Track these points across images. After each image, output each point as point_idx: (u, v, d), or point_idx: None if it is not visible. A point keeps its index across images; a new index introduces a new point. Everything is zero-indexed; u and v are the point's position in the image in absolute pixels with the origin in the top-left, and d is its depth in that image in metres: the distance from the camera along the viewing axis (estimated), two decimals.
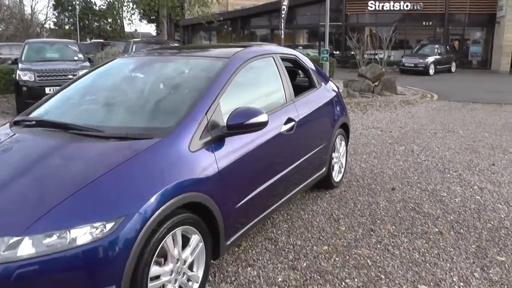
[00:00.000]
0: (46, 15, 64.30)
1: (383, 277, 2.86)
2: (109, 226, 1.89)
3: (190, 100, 2.63)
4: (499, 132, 7.51)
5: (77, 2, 36.18)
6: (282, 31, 19.63)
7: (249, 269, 2.93)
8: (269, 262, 3.02)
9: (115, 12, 33.24)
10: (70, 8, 38.58)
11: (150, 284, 2.10)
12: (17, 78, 9.02)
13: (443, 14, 25.72)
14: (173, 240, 2.21)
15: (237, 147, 2.68)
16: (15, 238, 1.81)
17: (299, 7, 31.04)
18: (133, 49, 11.43)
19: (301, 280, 2.80)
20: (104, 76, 3.49)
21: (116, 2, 31.69)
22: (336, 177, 4.50)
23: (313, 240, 3.37)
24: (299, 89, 3.86)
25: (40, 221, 1.85)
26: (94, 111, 3.02)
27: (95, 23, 37.80)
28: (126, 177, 2.09)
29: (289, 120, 3.32)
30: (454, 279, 2.84)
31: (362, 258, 3.10)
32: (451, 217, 3.83)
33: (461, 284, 2.79)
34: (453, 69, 22.57)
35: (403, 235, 3.48)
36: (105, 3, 34.32)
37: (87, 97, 3.26)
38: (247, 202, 2.78)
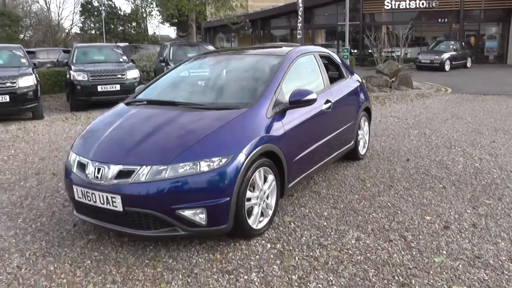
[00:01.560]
0: (72, 20, 66.67)
1: (399, 212, 4.00)
2: (223, 160, 3.08)
3: (262, 84, 3.84)
4: (504, 118, 8.54)
5: (103, 8, 37.94)
6: (300, 31, 20.73)
7: (302, 208, 4.10)
8: (315, 205, 4.19)
9: (138, 16, 34.87)
10: (96, 13, 40.47)
11: (246, 203, 3.28)
12: (71, 78, 10.28)
13: (459, 11, 26.44)
14: (258, 175, 3.39)
15: (294, 117, 3.87)
16: (163, 167, 3.00)
17: (317, 8, 32.03)
18: (171, 52, 12.57)
19: (340, 214, 3.96)
20: (189, 69, 4.71)
21: (140, 8, 33.38)
22: (362, 150, 5.65)
23: (346, 192, 4.54)
24: (332, 79, 5.03)
25: (179, 157, 3.04)
26: (191, 92, 4.28)
27: (120, 27, 39.59)
28: (231, 131, 3.30)
29: (327, 101, 4.50)
30: (451, 213, 3.97)
31: (383, 202, 4.24)
32: (453, 178, 4.94)
33: (456, 216, 3.91)
34: (468, 64, 23.33)
35: (415, 189, 4.61)
36: (133, 6, 35.84)
37: (180, 84, 4.50)
38: (301, 157, 3.97)
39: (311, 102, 3.82)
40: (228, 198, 3.06)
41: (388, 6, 28.22)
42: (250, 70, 4.32)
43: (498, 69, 22.09)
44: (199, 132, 3.25)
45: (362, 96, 5.56)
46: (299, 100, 3.75)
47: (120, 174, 3.05)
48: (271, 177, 3.55)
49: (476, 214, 3.94)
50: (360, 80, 5.76)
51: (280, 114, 3.72)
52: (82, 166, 3.30)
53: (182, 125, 3.46)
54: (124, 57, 11.67)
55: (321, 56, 4.97)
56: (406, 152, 6.09)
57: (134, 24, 37.89)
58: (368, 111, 5.80)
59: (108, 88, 10.19)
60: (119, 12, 39.94)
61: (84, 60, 11.14)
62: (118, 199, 2.99)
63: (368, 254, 3.19)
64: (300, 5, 18.72)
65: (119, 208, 3.01)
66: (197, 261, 3.09)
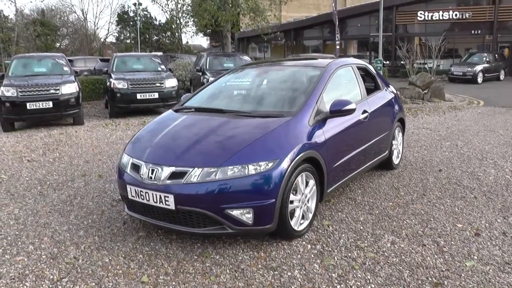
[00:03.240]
0: (108, 30, 68.86)
1: (432, 219, 4.14)
2: (270, 164, 3.32)
3: (305, 94, 4.08)
4: None
5: (138, 18, 39.19)
6: (338, 42, 20.85)
7: (339, 213, 4.30)
8: (352, 210, 4.37)
9: (173, 26, 35.77)
10: (131, 23, 41.81)
11: (289, 206, 3.50)
12: (111, 86, 10.70)
13: (492, 22, 26.06)
14: (300, 180, 3.62)
15: (334, 126, 4.09)
16: (213, 169, 3.27)
17: (350, 18, 32.18)
18: (207, 62, 12.97)
19: (376, 220, 4.13)
20: (233, 79, 5.01)
21: (175, 18, 34.26)
22: (395, 160, 5.80)
23: (380, 199, 4.70)
24: (368, 90, 5.22)
25: (229, 160, 3.30)
26: (236, 101, 4.58)
27: (155, 37, 40.73)
28: (276, 137, 3.55)
29: (364, 111, 4.70)
30: (482, 222, 4.08)
31: (416, 210, 4.39)
32: (484, 189, 5.03)
33: (487, 224, 4.02)
34: (501, 77, 22.95)
35: (447, 198, 4.73)
36: (168, 17, 36.73)
37: (225, 93, 4.80)
38: (339, 164, 4.18)
39: (350, 111, 4.03)
40: (274, 200, 3.30)
41: (421, 17, 28.10)
42: (292, 80, 4.57)
43: None
44: (247, 138, 3.52)
45: (396, 107, 5.72)
46: (339, 109, 3.97)
47: (173, 175, 3.33)
48: (312, 182, 3.77)
49: (506, 223, 4.04)
50: (395, 92, 5.92)
51: (321, 123, 3.95)
52: (136, 167, 3.60)
53: (231, 130, 3.73)
54: (162, 66, 12.11)
55: (358, 68, 5.18)
56: (438, 162, 6.19)
57: (168, 34, 38.90)
58: (402, 122, 5.95)
59: (147, 96, 10.63)
60: (154, 22, 41.17)
61: (123, 69, 11.63)
62: (171, 198, 3.27)
63: (403, 257, 3.36)
64: (336, 16, 18.89)
65: (172, 206, 3.29)
66: (242, 258, 3.34)
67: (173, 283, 3.02)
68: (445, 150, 6.95)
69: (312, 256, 3.37)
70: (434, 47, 18.14)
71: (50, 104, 9.26)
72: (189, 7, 21.90)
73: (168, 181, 3.34)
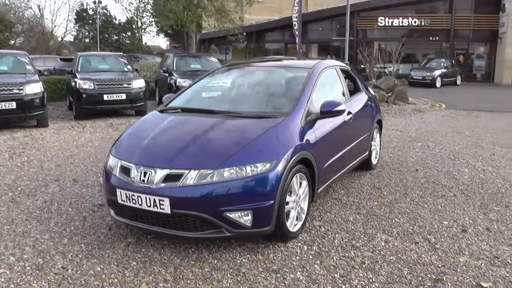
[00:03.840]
0: (66, 28, 66.20)
1: (418, 218, 4.23)
2: (267, 165, 3.27)
3: (295, 95, 4.06)
4: (499, 133, 8.92)
5: (98, 16, 37.93)
6: (299, 45, 21.16)
7: (328, 214, 4.30)
8: (340, 211, 4.39)
9: (134, 26, 34.97)
10: (91, 21, 40.40)
11: (286, 206, 3.46)
12: (77, 86, 10.23)
13: (449, 30, 27.32)
14: (295, 180, 3.58)
15: (323, 127, 4.10)
16: (210, 171, 3.18)
17: (311, 23, 32.70)
18: (174, 63, 12.73)
19: (365, 219, 4.16)
20: (218, 80, 4.92)
21: (136, 18, 33.54)
22: (374, 160, 5.90)
23: (365, 199, 4.76)
24: (349, 92, 5.28)
25: (226, 162, 3.22)
26: (225, 102, 4.48)
27: (115, 36, 39.53)
28: (272, 138, 3.50)
29: (349, 112, 4.74)
30: (465, 218, 4.21)
31: (402, 208, 4.47)
32: (462, 187, 5.20)
33: (470, 221, 4.15)
34: (458, 82, 24.05)
35: (428, 197, 4.85)
36: (129, 16, 35.92)
37: (212, 93, 4.70)
38: (328, 165, 4.19)
39: (340, 112, 4.05)
40: (272, 201, 3.24)
41: (381, 23, 28.98)
42: (280, 81, 4.55)
43: (486, 87, 22.83)
44: (243, 139, 3.45)
45: (375, 109, 5.83)
46: (330, 110, 3.98)
47: (168, 178, 3.21)
48: (304, 183, 3.74)
49: (488, 219, 4.19)
50: (373, 94, 6.03)
51: (311, 123, 3.94)
52: (125, 170, 3.45)
53: (225, 132, 3.65)
54: (129, 67, 11.77)
55: (341, 70, 5.23)
56: (413, 163, 6.35)
57: (129, 33, 37.89)
58: (380, 123, 6.06)
59: (114, 97, 10.28)
60: (114, 21, 39.92)
61: (89, 69, 11.20)
62: (166, 202, 3.15)
63: (399, 255, 3.40)
64: (295, 19, 19.15)
65: (167, 210, 3.17)
66: (241, 261, 3.26)
67: None
68: (418, 151, 7.15)
69: (311, 257, 3.35)
70: (394, 52, 18.74)
71: (13, 105, 8.75)
72: (151, 6, 21.56)
73: (163, 184, 3.21)
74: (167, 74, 12.40)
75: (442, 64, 23.49)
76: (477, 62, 28.03)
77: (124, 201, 3.38)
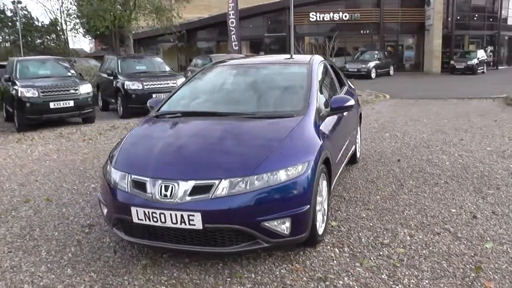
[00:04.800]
0: None
1: (425, 208, 4.25)
2: (299, 168, 3.07)
3: (302, 92, 3.89)
4: (454, 119, 9.42)
5: (18, 18, 34.78)
6: (236, 43, 21.09)
7: (338, 212, 4.19)
8: (348, 208, 4.29)
9: (58, 28, 32.56)
10: (10, 24, 36.96)
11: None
12: (19, 95, 9.25)
13: (378, 23, 28.66)
14: (321, 181, 3.41)
15: (331, 122, 3.98)
16: (243, 178, 2.90)
17: (242, 20, 32.67)
18: (119, 65, 11.96)
19: (378, 215, 4.09)
20: (210, 80, 4.60)
21: (58, 18, 31.34)
22: (358, 153, 5.91)
23: (366, 193, 4.72)
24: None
25: (259, 168, 2.98)
26: (229, 103, 4.16)
27: (38, 40, 36.53)
28: (298, 139, 3.31)
29: None
30: (468, 204, 4.31)
31: (406, 200, 4.48)
32: (448, 174, 5.35)
33: (474, 206, 4.25)
34: (391, 72, 25.35)
35: (423, 186, 4.92)
36: (53, 16, 33.48)
37: (210, 94, 4.35)
38: (337, 160, 4.08)
39: (350, 108, 3.95)
40: (308, 206, 3.06)
41: (313, 18, 29.64)
42: (281, 78, 4.35)
43: (418, 76, 24.28)
44: (268, 142, 3.22)
45: (358, 102, 5.83)
46: (341, 106, 3.87)
47: (195, 190, 2.91)
48: (325, 183, 3.59)
49: (488, 203, 4.32)
50: (353, 87, 6.03)
51: (323, 120, 3.81)
52: (139, 185, 3.08)
53: (245, 135, 3.40)
54: (72, 71, 10.90)
55: (329, 65, 5.15)
56: (391, 153, 6.46)
57: (53, 36, 35.14)
58: (360, 116, 6.08)
59: (62, 104, 9.43)
60: (36, 23, 36.80)
61: (29, 75, 10.18)
62: (197, 217, 2.84)
63: (430, 248, 3.37)
64: (232, 16, 19.02)
65: (198, 226, 2.86)
66: (280, 272, 3.04)
67: None
68: (389, 141, 7.30)
69: (348, 260, 3.21)
70: (327, 46, 19.27)
71: None
72: (76, 8, 20.26)
73: (189, 198, 2.90)
74: (111, 77, 11.69)
75: (376, 56, 24.60)
76: (406, 53, 29.80)
77: (141, 220, 3.01)
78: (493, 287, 2.83)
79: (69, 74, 10.70)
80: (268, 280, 2.94)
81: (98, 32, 19.00)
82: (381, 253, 3.30)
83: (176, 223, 2.90)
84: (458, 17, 29.24)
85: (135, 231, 3.16)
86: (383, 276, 2.96)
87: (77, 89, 9.76)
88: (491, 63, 29.71)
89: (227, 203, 2.86)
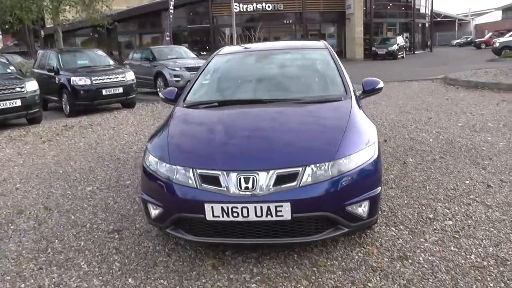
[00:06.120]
0: None
1: (441, 182, 4.48)
2: (371, 149, 3.06)
3: (336, 76, 3.94)
4: (410, 100, 10.04)
5: None
6: (168, 33, 20.46)
7: None
8: None
9: None
10: None
11: None
12: None
13: (301, 13, 29.49)
14: None
15: None
16: (327, 164, 2.84)
17: (166, 11, 31.80)
18: (60, 60, 10.88)
19: (404, 192, 4.22)
20: (236, 67, 4.45)
21: None
22: None
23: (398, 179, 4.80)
24: None
25: (338, 152, 2.93)
26: (268, 89, 4.07)
27: None
28: (358, 121, 3.32)
29: None
30: (475, 175, 4.63)
31: (418, 177, 4.67)
32: (438, 149, 5.71)
33: (481, 176, 4.58)
34: None
35: (425, 162, 5.18)
36: None
37: (241, 82, 4.22)
38: None
39: (380, 90, 4.04)
40: (380, 187, 3.08)
41: (236, 8, 29.56)
42: (308, 63, 4.33)
43: (345, 63, 24.77)
44: (336, 126, 3.20)
45: None
46: (373, 88, 3.95)
47: (280, 180, 2.79)
48: None
49: (491, 173, 4.68)
50: None
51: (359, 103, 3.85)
52: (211, 180, 2.88)
53: (306, 120, 3.34)
54: (12, 67, 9.78)
55: None
56: None
57: None
58: None
59: (8, 104, 8.46)
60: None
61: None
62: (286, 207, 2.73)
63: (472, 218, 3.58)
64: (171, 7, 18.41)
65: (286, 216, 2.75)
66: (358, 256, 3.04)
67: None
68: None
69: (411, 237, 3.29)
70: (253, 36, 19.46)
71: None
72: None
73: (274, 188, 2.77)
74: (53, 73, 10.73)
75: None
76: (329, 41, 30.82)
77: (217, 216, 2.82)
78: None
79: (9, 70, 9.60)
80: (354, 266, 2.93)
81: (10, 27, 17.28)
82: (434, 227, 3.44)
83: (261, 216, 2.76)
84: (374, 6, 31.12)
85: (200, 230, 2.96)
86: (452, 248, 3.09)
87: (23, 87, 8.81)
88: (408, 49, 32.09)
89: (315, 190, 2.79)
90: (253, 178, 2.79)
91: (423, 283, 2.69)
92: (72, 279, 2.99)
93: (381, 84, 4.01)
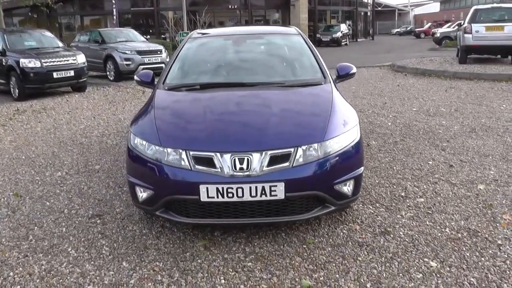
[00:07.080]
0: None
1: (407, 162, 4.76)
2: (354, 131, 3.22)
3: (312, 61, 4.08)
4: (359, 85, 10.44)
5: None
6: (115, 16, 19.79)
7: None
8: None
9: None
10: None
11: None
12: None
13: None
14: None
15: None
16: (316, 145, 2.97)
17: None
18: (7, 41, 10.20)
19: (373, 172, 4.47)
20: (212, 50, 4.45)
21: None
22: None
23: (368, 156, 5.02)
24: None
25: (326, 133, 3.06)
26: (244, 73, 4.12)
27: None
28: (340, 104, 3.48)
29: None
30: (437, 156, 4.97)
31: (384, 158, 4.96)
32: (397, 133, 6.03)
33: (442, 157, 4.91)
34: None
35: (387, 145, 5.46)
36: None
37: (213, 65, 4.25)
38: None
39: (354, 75, 4.23)
40: (363, 167, 3.27)
41: None
42: (283, 48, 4.41)
43: None
44: (321, 109, 3.34)
45: None
46: (347, 73, 4.13)
47: (273, 160, 2.88)
48: None
49: (450, 154, 5.03)
50: None
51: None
52: (205, 161, 2.91)
53: (292, 103, 3.45)
54: None
55: None
56: None
57: None
58: None
59: None
60: None
61: None
62: (280, 187, 2.83)
63: (441, 195, 3.87)
64: None
65: (280, 196, 2.85)
66: (343, 233, 3.22)
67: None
68: None
69: (388, 213, 3.52)
70: (198, 20, 19.46)
71: None
72: None
73: (269, 168, 2.86)
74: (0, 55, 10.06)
75: None
76: None
77: (211, 197, 2.87)
78: (510, 218, 3.43)
79: None
80: (341, 241, 3.09)
81: None
82: (408, 204, 3.70)
83: (256, 195, 2.84)
84: None
85: (193, 211, 3.00)
86: (428, 223, 3.35)
87: None
88: (351, 36, 33.08)
89: (307, 170, 2.92)
90: (247, 159, 2.86)
91: (407, 255, 2.91)
92: (63, 265, 2.93)
93: (354, 70, 4.20)
